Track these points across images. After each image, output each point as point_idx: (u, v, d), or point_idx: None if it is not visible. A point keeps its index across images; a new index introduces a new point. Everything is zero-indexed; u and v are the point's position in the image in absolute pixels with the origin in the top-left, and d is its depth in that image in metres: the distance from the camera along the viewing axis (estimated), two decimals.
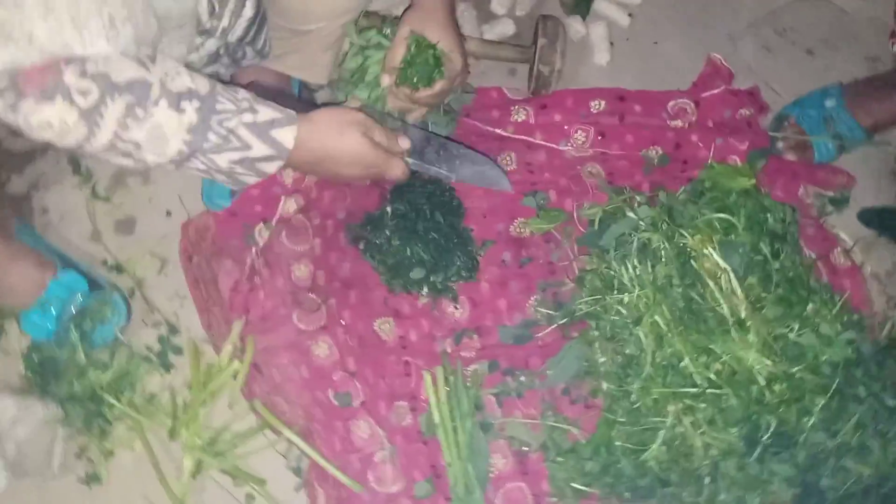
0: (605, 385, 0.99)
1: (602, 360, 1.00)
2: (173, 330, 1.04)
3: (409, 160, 0.97)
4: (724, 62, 1.18)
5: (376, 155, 0.90)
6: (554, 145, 1.11)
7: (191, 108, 0.76)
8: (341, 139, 0.87)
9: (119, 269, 1.06)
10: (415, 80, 0.97)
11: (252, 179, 0.85)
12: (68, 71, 0.69)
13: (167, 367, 1.02)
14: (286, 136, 0.82)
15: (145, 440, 0.96)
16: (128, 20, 0.67)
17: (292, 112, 0.84)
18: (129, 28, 0.68)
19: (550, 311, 1.04)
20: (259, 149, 0.81)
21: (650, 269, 1.00)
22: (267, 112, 0.81)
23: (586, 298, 1.01)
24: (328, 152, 0.87)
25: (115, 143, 0.74)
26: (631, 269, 1.00)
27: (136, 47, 0.72)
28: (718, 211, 1.05)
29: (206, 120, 0.77)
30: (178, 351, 1.03)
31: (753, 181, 1.07)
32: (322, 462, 0.94)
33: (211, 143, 0.78)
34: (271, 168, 0.84)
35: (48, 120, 0.71)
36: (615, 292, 1.00)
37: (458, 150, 1.01)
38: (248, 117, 0.80)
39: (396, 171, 0.93)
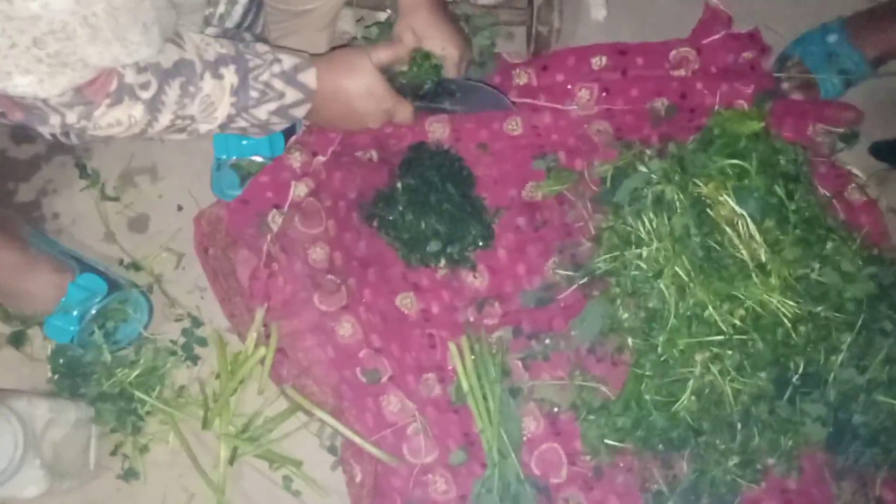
0: (630, 341, 0.99)
1: (625, 316, 1.00)
2: (196, 322, 1.04)
3: (414, 103, 1.01)
4: (721, 7, 1.16)
5: (386, 89, 0.95)
6: (559, 106, 1.10)
7: (229, 73, 0.82)
8: (353, 72, 0.93)
9: (136, 267, 1.07)
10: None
11: (281, 126, 0.92)
12: (127, 71, 0.74)
13: (194, 359, 1.02)
14: (310, 77, 0.89)
15: (178, 432, 0.97)
16: (156, 21, 0.70)
17: (306, 53, 0.91)
18: (157, 27, 0.71)
19: (570, 272, 1.04)
20: (291, 95, 0.88)
21: (666, 222, 0.99)
22: (289, 59, 0.88)
23: (605, 256, 1.01)
24: (343, 87, 0.93)
25: (174, 122, 0.80)
26: (647, 223, 0.99)
27: (163, 38, 0.75)
28: (729, 157, 1.04)
29: (244, 79, 0.83)
30: (203, 343, 1.03)
31: (762, 124, 1.06)
32: (356, 439, 0.95)
33: (253, 99, 0.85)
34: (301, 112, 0.91)
35: (118, 118, 0.76)
36: (633, 247, 0.99)
37: (452, 84, 1.04)
38: (276, 68, 0.86)
39: (405, 112, 0.99)
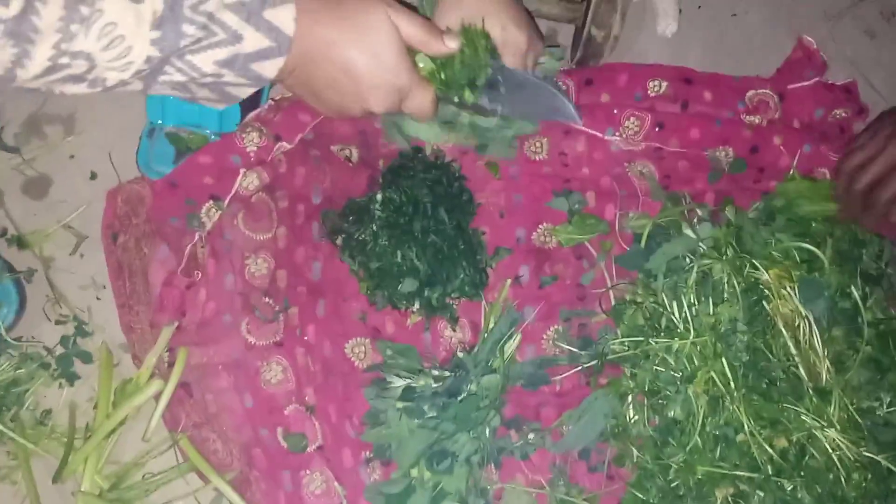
0: (635, 453, 0.77)
1: (635, 419, 0.78)
2: (82, 330, 0.80)
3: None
4: (814, 46, 0.93)
5: (402, 58, 0.67)
6: (598, 133, 0.86)
7: None
8: (359, 24, 0.65)
9: (21, 242, 0.82)
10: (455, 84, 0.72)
11: (242, 91, 0.63)
12: None
13: (70, 377, 0.78)
14: (284, 17, 0.60)
15: (29, 472, 0.73)
16: None
17: None
18: None
19: (573, 350, 0.81)
20: (252, 40, 0.59)
21: (711, 310, 0.77)
22: None
23: (623, 339, 0.78)
24: (339, 42, 0.64)
25: (58, 63, 0.54)
26: (685, 307, 0.77)
27: None
28: (798, 237, 0.82)
29: (175, 5, 0.55)
30: (86, 358, 0.79)
31: (834, 205, 0.84)
32: None
33: (189, 37, 0.57)
34: (269, 69, 0.62)
35: None
36: (662, 335, 0.77)
37: (505, 74, 0.75)
38: None
39: (424, 98, 0.70)
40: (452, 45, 0.70)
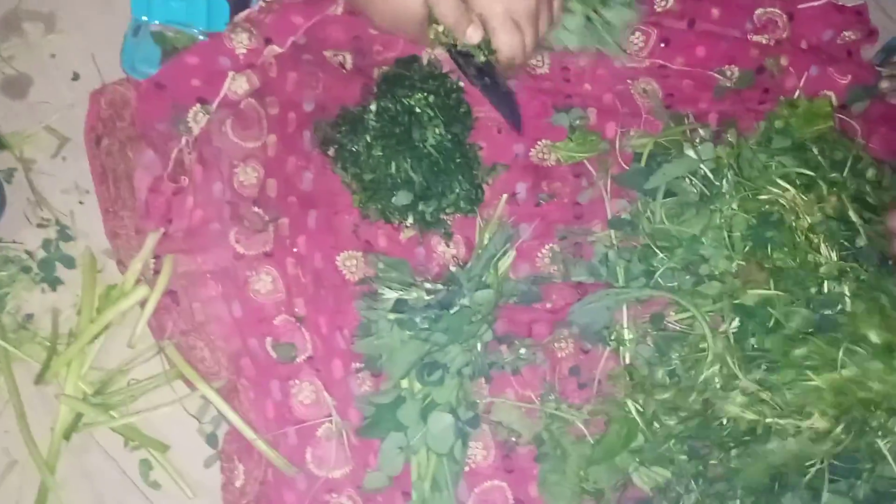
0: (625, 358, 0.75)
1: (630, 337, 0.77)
2: (65, 235, 0.77)
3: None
4: None
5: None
6: (601, 48, 0.83)
7: None
8: None
9: (1, 143, 0.79)
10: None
11: None
12: None
13: (52, 282, 0.76)
14: None
15: (10, 376, 0.71)
16: None
17: None
18: None
19: (568, 267, 0.80)
20: None
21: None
22: None
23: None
24: None
25: None
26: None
27: None
28: (797, 160, 0.80)
29: None
30: (69, 263, 0.77)
31: (830, 124, 0.82)
32: (247, 431, 0.71)
33: None
34: None
35: None
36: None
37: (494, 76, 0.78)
38: None
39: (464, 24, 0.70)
40: (474, 38, 0.71)
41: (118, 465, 0.72)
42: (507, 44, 0.71)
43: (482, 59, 0.75)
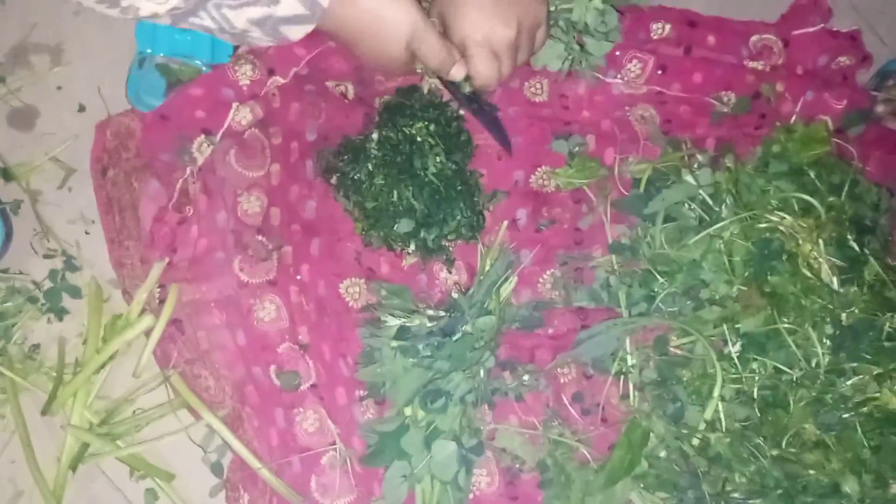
0: (634, 395, 0.76)
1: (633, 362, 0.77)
2: (71, 265, 0.78)
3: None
4: None
5: (407, 64, 0.71)
6: (600, 75, 0.84)
7: None
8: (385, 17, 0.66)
9: (7, 175, 0.80)
10: None
11: (261, 43, 0.65)
12: None
13: (59, 312, 0.77)
14: None
15: (17, 406, 0.72)
16: None
17: None
18: None
19: (570, 293, 0.80)
20: (288, 5, 0.61)
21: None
22: None
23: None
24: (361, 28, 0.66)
25: None
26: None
27: None
28: (795, 185, 0.81)
29: None
30: (75, 293, 0.77)
31: (827, 148, 0.83)
32: (251, 460, 0.71)
33: None
34: (296, 33, 0.64)
35: None
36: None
37: (481, 102, 0.81)
38: None
39: (431, 44, 0.69)
40: (458, 77, 0.73)
41: (124, 496, 0.73)
42: (481, 73, 0.72)
43: (468, 89, 0.76)
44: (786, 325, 0.74)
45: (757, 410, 0.74)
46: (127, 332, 0.73)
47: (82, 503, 0.73)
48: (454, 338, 0.73)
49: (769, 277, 0.76)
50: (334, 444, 0.73)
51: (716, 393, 0.73)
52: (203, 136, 0.78)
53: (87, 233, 0.80)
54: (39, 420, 0.74)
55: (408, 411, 0.73)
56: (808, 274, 0.75)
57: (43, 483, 0.69)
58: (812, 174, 0.83)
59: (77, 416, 0.71)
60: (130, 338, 0.73)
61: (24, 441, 0.71)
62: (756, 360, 0.75)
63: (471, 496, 0.75)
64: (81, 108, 0.83)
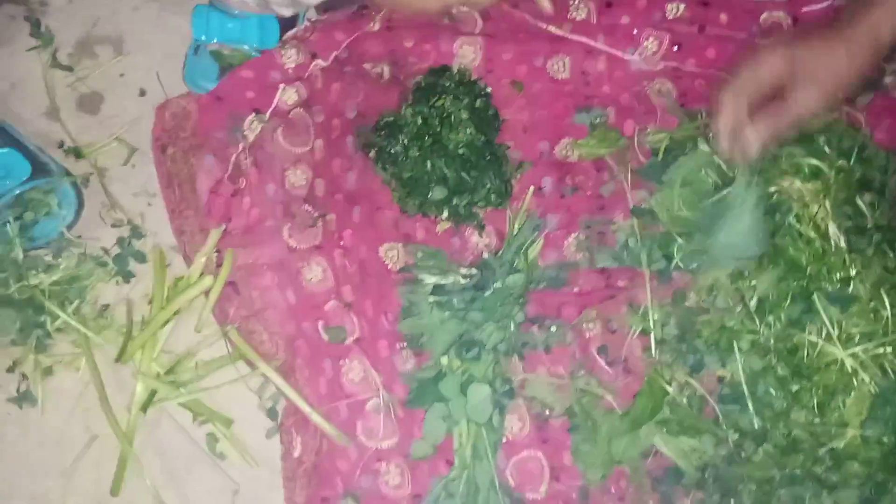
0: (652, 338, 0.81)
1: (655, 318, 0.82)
2: (137, 233, 0.86)
3: None
4: None
5: None
6: (618, 53, 0.90)
7: None
8: None
9: (78, 153, 0.88)
10: None
11: (287, 11, 0.69)
12: None
13: (126, 275, 0.84)
14: None
15: (91, 359, 0.79)
16: None
17: None
18: None
19: (593, 254, 0.86)
20: None
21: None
22: None
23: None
24: None
25: None
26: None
27: None
28: (805, 150, 0.86)
29: None
30: (140, 258, 0.85)
31: (835, 116, 0.88)
32: (303, 406, 0.78)
33: None
34: None
35: None
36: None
37: None
38: None
39: None
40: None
41: (188, 438, 0.80)
42: None
43: None
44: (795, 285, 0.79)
45: (774, 357, 0.79)
46: (188, 292, 0.80)
47: (150, 446, 0.80)
48: (486, 293, 0.79)
49: (776, 240, 0.81)
50: (378, 391, 0.80)
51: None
52: (253, 115, 0.85)
53: (149, 204, 0.88)
54: (111, 374, 0.81)
55: (444, 361, 0.79)
56: (814, 235, 0.80)
57: (117, 426, 0.77)
58: (822, 140, 0.88)
59: (145, 366, 0.78)
60: (192, 297, 0.80)
61: (99, 389, 0.78)
62: (771, 313, 0.80)
63: (504, 440, 0.80)
64: (142, 93, 0.91)
